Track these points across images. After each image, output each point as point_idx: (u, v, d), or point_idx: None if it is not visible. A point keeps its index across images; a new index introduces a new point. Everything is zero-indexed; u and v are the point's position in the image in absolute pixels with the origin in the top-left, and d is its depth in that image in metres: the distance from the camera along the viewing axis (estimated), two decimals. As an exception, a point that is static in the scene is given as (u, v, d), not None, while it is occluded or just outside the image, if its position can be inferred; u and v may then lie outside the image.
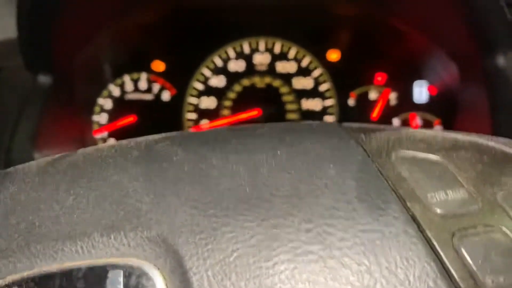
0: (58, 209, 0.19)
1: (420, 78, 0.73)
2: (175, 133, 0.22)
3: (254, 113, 0.74)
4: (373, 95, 0.75)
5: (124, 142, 0.22)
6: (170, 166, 0.19)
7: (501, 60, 0.53)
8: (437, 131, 0.20)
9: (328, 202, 0.16)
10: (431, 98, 0.73)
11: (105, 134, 0.76)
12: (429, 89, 0.73)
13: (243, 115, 0.75)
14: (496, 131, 0.53)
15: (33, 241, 0.18)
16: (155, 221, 0.17)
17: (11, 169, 0.22)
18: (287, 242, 0.16)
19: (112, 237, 0.17)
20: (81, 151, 0.22)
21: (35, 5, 0.52)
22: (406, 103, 0.73)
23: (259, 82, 0.77)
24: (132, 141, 0.22)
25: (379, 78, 0.75)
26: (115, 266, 0.17)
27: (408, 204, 0.16)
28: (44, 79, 0.61)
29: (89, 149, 0.22)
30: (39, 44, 0.58)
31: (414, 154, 0.18)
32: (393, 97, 0.74)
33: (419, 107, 0.73)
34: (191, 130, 0.77)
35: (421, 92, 0.74)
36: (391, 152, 0.18)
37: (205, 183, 0.18)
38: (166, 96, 0.77)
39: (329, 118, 0.75)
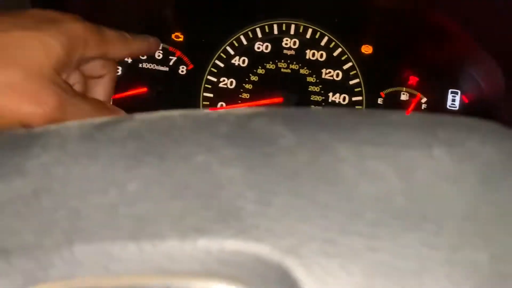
0: (116, 195, 0.13)
1: (457, 86, 0.69)
2: (269, 108, 0.16)
3: (277, 99, 0.69)
4: (404, 97, 0.70)
5: (199, 112, 0.16)
6: (279, 152, 0.13)
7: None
8: None
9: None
10: (465, 107, 0.68)
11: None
12: (464, 97, 0.69)
13: (265, 101, 0.69)
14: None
15: (77, 239, 0.12)
16: (265, 229, 0.12)
17: (39, 129, 0.16)
18: (478, 283, 0.11)
19: (199, 244, 0.12)
20: (139, 116, 0.16)
21: None
22: (437, 110, 0.69)
23: (285, 67, 0.71)
24: (211, 113, 0.16)
25: (412, 80, 0.70)
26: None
27: None
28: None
29: (149, 115, 0.17)
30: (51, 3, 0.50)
31: None
32: (424, 102, 0.70)
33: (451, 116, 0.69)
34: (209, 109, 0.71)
35: (455, 100, 0.70)
36: None
37: (336, 183, 0.13)
38: (182, 70, 0.71)
39: (354, 116, 0.70)
